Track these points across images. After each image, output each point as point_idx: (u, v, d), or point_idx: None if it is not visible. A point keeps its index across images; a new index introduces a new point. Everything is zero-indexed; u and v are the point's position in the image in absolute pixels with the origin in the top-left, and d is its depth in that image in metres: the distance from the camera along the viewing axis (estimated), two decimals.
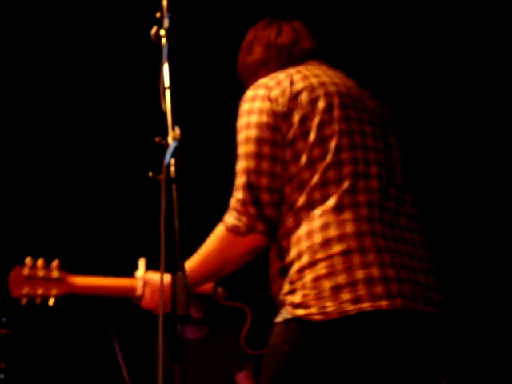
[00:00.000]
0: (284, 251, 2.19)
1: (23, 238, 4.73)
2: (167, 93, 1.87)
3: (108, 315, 4.50)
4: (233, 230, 2.21)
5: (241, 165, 2.22)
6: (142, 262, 2.52)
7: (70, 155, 4.99)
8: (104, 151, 5.03)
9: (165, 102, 1.88)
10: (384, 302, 2.06)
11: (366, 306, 2.05)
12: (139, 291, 2.45)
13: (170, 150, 1.73)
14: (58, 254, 2.48)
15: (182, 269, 1.61)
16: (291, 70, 2.34)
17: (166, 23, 2.02)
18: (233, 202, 2.22)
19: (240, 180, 2.21)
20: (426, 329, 2.14)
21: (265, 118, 2.21)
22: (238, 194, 2.20)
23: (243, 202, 2.18)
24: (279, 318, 2.16)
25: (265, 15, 2.56)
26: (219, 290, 2.69)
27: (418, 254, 2.20)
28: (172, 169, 1.72)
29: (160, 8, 2.05)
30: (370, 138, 2.27)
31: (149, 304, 2.45)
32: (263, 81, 2.31)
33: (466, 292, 4.67)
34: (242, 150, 2.23)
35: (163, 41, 2.00)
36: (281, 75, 2.31)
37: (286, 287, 2.15)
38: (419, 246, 2.22)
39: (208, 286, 2.66)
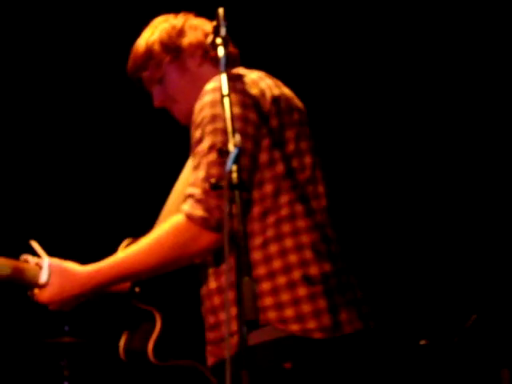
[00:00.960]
0: (261, 261, 2.06)
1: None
2: (226, 100, 1.88)
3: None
4: (199, 223, 2.01)
5: (213, 156, 2.03)
6: (37, 245, 2.22)
7: (128, 165, 5.04)
8: (169, 160, 5.07)
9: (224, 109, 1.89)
10: (371, 322, 2.12)
11: (358, 325, 2.08)
12: (44, 279, 2.12)
13: (231, 157, 1.74)
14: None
15: (249, 273, 1.61)
16: (258, 73, 2.22)
17: (222, 31, 2.02)
18: (199, 193, 2.02)
19: (213, 170, 2.02)
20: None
21: (251, 114, 2.09)
22: (207, 186, 1.97)
23: (216, 196, 1.99)
24: (258, 337, 1.98)
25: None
26: (137, 289, 2.36)
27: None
28: (234, 175, 1.73)
29: (216, 16, 2.06)
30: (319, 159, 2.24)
31: (55, 296, 2.12)
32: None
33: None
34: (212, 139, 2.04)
35: (220, 49, 2.00)
36: (252, 74, 2.19)
37: (268, 300, 2.04)
38: None
39: (125, 284, 2.34)
